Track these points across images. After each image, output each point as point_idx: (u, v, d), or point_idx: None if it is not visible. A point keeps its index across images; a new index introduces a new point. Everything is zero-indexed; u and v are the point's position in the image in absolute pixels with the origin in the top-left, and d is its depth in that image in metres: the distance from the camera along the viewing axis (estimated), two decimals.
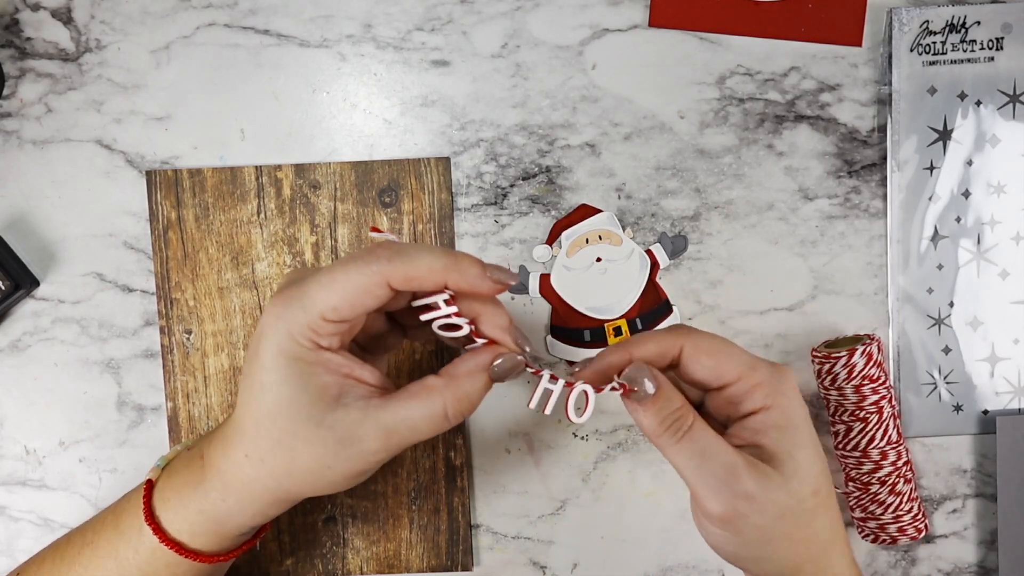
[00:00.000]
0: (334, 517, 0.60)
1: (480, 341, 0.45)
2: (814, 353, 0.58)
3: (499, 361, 0.44)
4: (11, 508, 0.61)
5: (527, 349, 0.45)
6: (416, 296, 0.46)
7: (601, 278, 0.59)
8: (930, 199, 0.59)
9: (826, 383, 0.57)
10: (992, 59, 0.58)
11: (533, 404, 0.45)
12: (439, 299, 0.44)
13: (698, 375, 0.46)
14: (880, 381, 0.56)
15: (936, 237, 0.59)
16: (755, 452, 0.45)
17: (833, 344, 0.59)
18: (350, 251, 0.60)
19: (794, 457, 0.45)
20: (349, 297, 0.42)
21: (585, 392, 0.45)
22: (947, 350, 0.59)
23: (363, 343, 0.49)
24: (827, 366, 0.57)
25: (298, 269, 0.46)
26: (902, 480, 0.57)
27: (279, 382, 0.43)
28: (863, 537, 0.59)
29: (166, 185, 0.59)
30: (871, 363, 0.56)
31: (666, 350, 0.46)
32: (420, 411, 0.43)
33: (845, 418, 0.57)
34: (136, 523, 0.48)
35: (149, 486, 0.49)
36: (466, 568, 0.60)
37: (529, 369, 0.45)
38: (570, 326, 0.59)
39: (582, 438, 0.60)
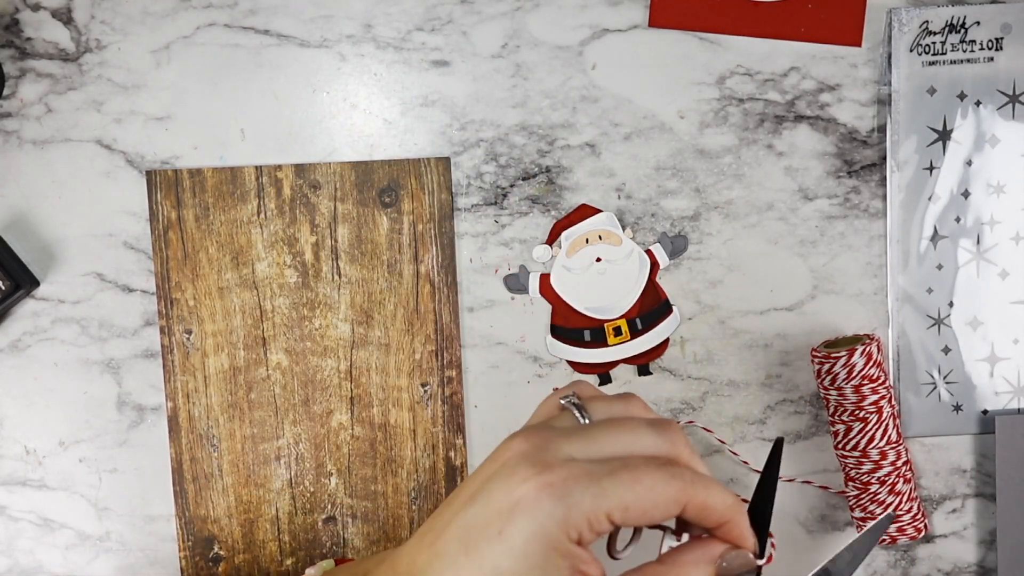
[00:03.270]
0: (334, 517, 0.60)
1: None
2: (814, 353, 0.58)
3: (733, 559, 0.41)
4: (11, 508, 0.61)
5: (765, 558, 0.42)
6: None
7: (601, 278, 0.59)
8: (930, 199, 0.59)
9: (826, 383, 0.57)
10: (992, 59, 0.58)
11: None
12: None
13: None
14: (880, 381, 0.56)
15: (936, 237, 0.59)
16: None
17: (833, 344, 0.59)
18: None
19: None
20: (644, 504, 0.38)
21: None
22: (947, 350, 0.59)
23: None
24: (827, 366, 0.57)
25: (549, 438, 0.40)
26: (902, 480, 0.57)
27: (523, 573, 0.38)
28: None
29: (166, 185, 0.59)
30: (871, 363, 0.56)
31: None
32: None
33: (845, 418, 0.57)
34: None
35: None
36: None
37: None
38: (570, 326, 0.59)
39: None
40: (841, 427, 0.57)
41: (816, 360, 0.57)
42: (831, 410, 0.58)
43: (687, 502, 0.39)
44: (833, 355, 0.56)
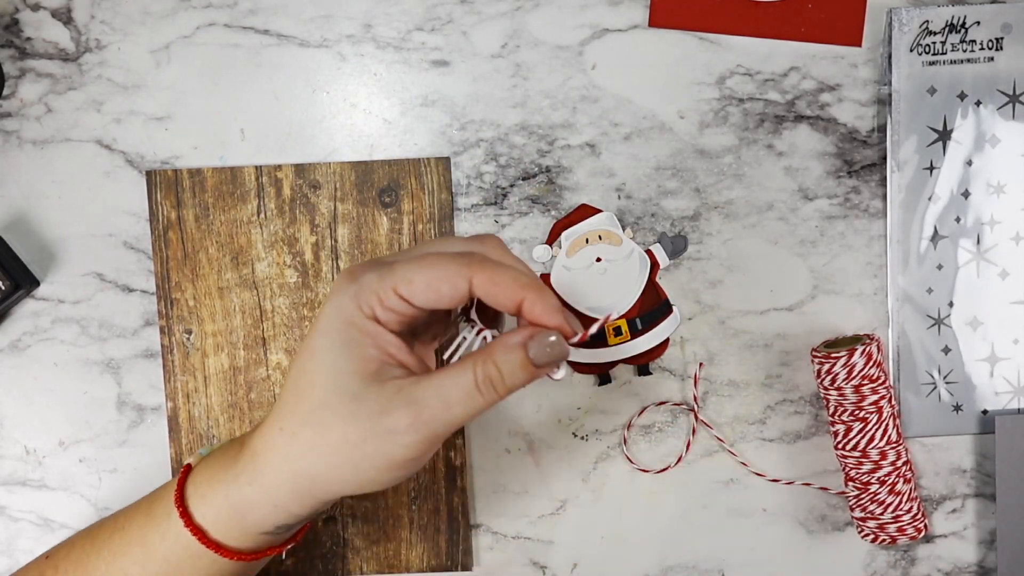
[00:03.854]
0: (334, 517, 0.60)
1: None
2: (814, 353, 0.58)
3: (541, 340, 0.42)
4: (11, 508, 0.61)
5: (578, 335, 0.43)
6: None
7: (601, 278, 0.59)
8: (930, 199, 0.59)
9: (826, 383, 0.57)
10: (992, 59, 0.58)
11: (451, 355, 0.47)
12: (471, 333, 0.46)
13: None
14: (880, 381, 0.56)
15: (936, 237, 0.59)
16: None
17: (833, 344, 0.59)
18: (350, 251, 0.60)
19: None
20: (429, 277, 0.42)
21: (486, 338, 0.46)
22: (947, 350, 0.59)
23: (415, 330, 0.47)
24: (827, 366, 0.57)
25: (384, 256, 0.46)
26: (901, 480, 0.57)
27: (327, 346, 0.42)
28: (863, 537, 0.59)
29: (166, 185, 0.59)
30: (871, 363, 0.56)
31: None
32: (449, 381, 0.42)
33: (845, 418, 0.57)
34: (166, 508, 0.47)
35: (186, 470, 0.48)
36: (466, 568, 0.60)
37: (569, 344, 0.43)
38: None
39: (582, 438, 0.60)
40: (841, 427, 0.57)
41: (816, 360, 0.57)
42: (831, 410, 0.58)
43: (472, 276, 0.42)
44: (833, 355, 0.56)
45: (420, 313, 0.43)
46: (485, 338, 0.46)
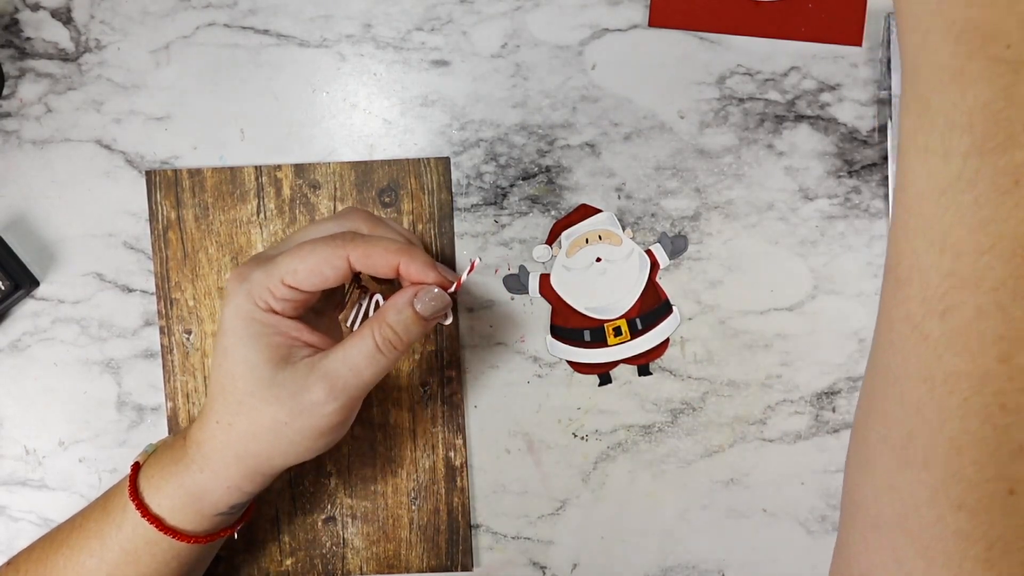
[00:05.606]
0: (334, 517, 0.60)
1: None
2: None
3: (425, 296, 0.47)
4: (11, 508, 0.61)
5: (453, 284, 0.48)
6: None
7: (601, 278, 0.59)
8: None
9: None
10: None
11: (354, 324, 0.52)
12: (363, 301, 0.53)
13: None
14: None
15: None
16: None
17: None
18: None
19: None
20: (311, 264, 0.46)
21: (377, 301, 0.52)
22: None
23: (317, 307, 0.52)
24: None
25: (265, 250, 0.51)
26: None
27: (236, 343, 0.46)
28: None
29: (166, 185, 0.59)
30: None
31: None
32: (354, 350, 0.46)
33: None
34: (121, 503, 0.50)
35: (136, 468, 0.51)
36: (466, 568, 0.60)
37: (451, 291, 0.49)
38: (570, 326, 0.59)
39: (582, 438, 0.60)
40: None
41: None
42: None
43: (348, 255, 0.46)
44: None
45: (312, 295, 0.47)
46: (377, 301, 0.52)
